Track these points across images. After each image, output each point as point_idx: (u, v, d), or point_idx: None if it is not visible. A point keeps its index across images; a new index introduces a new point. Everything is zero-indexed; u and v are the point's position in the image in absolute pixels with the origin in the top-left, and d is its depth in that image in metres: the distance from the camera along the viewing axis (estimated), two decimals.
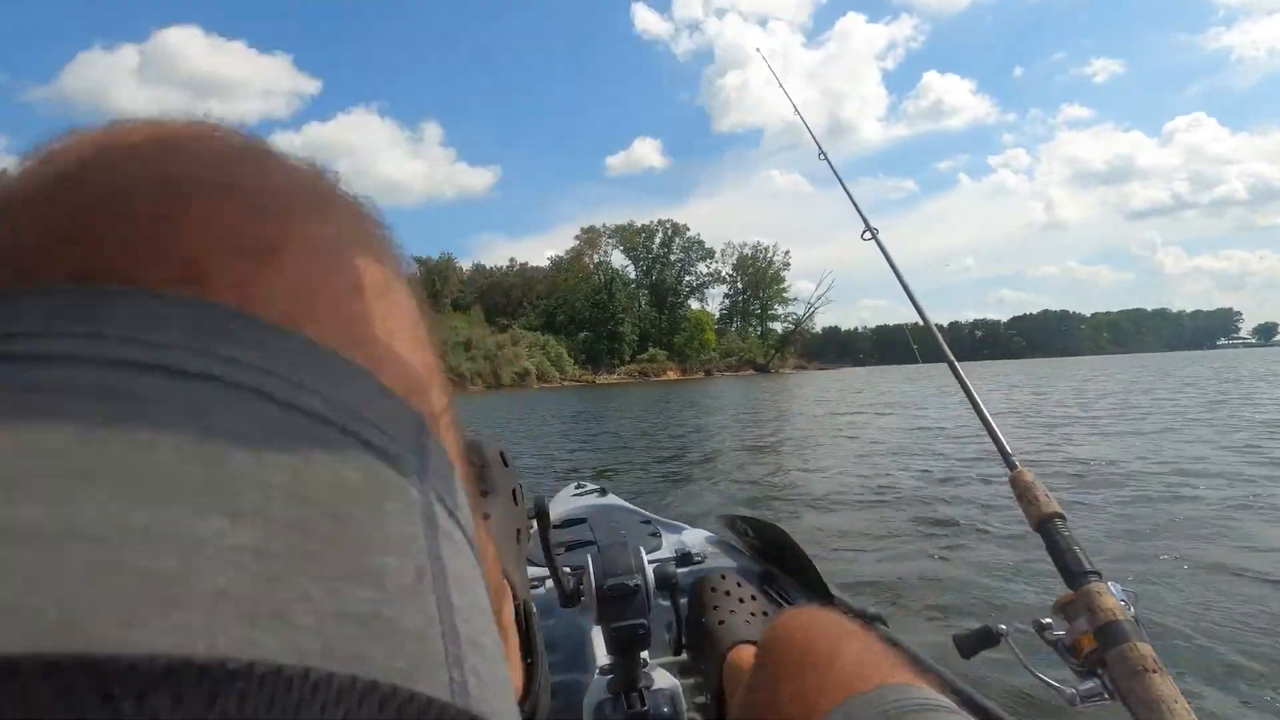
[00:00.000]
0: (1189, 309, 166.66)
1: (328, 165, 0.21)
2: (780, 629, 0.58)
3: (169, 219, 0.16)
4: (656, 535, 1.36)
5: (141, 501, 0.12)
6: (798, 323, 73.89)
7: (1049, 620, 0.63)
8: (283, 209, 0.18)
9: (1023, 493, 0.74)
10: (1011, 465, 0.79)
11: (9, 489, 0.11)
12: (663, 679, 0.86)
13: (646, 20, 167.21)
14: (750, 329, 75.80)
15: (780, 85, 2.06)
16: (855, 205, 1.48)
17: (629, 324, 64.46)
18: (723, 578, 0.95)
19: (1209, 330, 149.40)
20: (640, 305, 69.18)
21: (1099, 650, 0.57)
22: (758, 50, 2.49)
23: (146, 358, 0.14)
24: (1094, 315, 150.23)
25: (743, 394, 23.27)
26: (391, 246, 0.22)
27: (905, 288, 1.24)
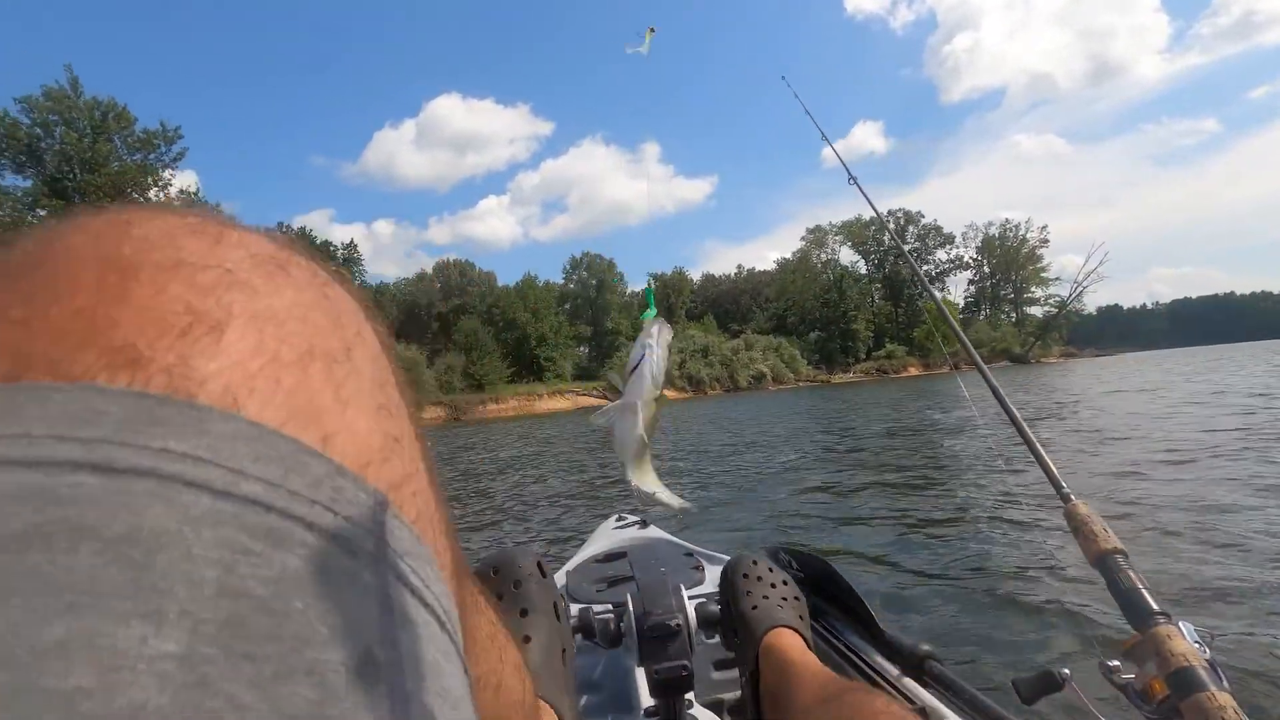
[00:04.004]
0: None
1: (280, 229, 0.21)
2: None
3: (107, 302, 0.16)
4: (699, 569, 1.33)
5: (57, 615, 0.11)
6: (1062, 305, 65.08)
7: (1116, 663, 0.56)
8: (228, 283, 0.18)
9: (1078, 526, 0.67)
10: (1065, 498, 0.72)
11: None
12: None
13: (858, 0, 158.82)
14: (1002, 316, 68.80)
15: (807, 112, 1.74)
16: (878, 217, 1.33)
17: (862, 321, 62.65)
18: (753, 563, 0.92)
19: None
20: (874, 301, 66.69)
21: (1171, 699, 0.50)
22: (783, 79, 2.03)
23: (75, 456, 0.14)
24: None
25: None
26: (357, 309, 0.22)
27: (929, 293, 1.12)
